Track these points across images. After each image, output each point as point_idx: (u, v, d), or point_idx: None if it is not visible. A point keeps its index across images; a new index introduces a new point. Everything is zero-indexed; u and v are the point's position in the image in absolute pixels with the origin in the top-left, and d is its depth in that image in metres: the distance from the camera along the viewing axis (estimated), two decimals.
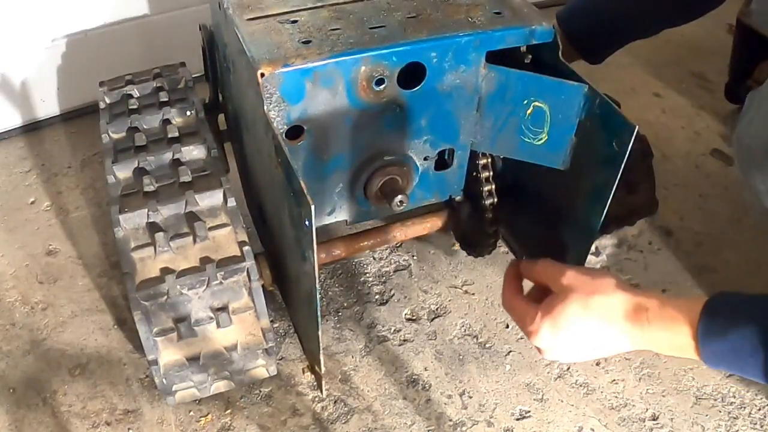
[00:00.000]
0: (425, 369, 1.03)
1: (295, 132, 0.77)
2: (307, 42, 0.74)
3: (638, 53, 1.65)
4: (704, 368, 1.03)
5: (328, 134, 0.78)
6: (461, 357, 1.05)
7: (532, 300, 0.72)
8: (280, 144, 0.66)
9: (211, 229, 0.82)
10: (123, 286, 1.07)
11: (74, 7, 1.36)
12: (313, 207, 0.60)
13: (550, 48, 0.80)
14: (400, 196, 0.83)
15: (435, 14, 0.79)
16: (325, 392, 0.99)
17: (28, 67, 1.38)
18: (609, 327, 0.66)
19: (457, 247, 1.21)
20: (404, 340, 1.07)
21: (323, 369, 0.82)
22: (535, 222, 0.97)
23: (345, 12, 0.80)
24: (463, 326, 1.09)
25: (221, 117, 1.08)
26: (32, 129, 1.47)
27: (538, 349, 0.71)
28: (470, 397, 1.00)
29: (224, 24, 0.84)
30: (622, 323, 0.65)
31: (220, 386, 0.90)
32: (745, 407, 0.99)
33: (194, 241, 0.82)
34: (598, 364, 1.04)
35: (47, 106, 1.46)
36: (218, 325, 0.82)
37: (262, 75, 0.70)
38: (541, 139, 0.82)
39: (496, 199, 0.93)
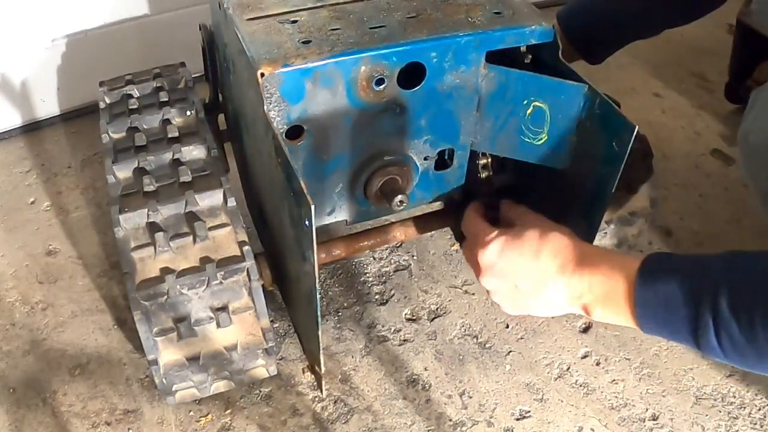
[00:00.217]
0: (425, 369, 1.03)
1: (295, 132, 0.77)
2: (307, 42, 0.74)
3: (638, 53, 1.65)
4: (704, 368, 1.03)
5: (328, 134, 0.78)
6: (461, 357, 1.05)
7: None
8: (280, 144, 0.66)
9: (211, 229, 0.82)
10: (123, 286, 1.07)
11: (74, 7, 1.36)
12: (313, 207, 0.60)
13: (550, 48, 0.80)
14: (400, 196, 0.83)
15: (435, 14, 0.79)
16: (325, 392, 0.99)
17: (28, 67, 1.38)
18: (554, 263, 0.70)
19: (457, 247, 1.21)
20: (404, 340, 1.07)
21: (323, 369, 0.82)
22: None
23: (345, 12, 0.80)
24: (463, 326, 1.09)
25: (221, 117, 1.08)
26: (32, 129, 1.47)
27: (480, 270, 0.73)
28: (470, 397, 1.00)
29: (224, 24, 0.84)
30: (568, 264, 0.69)
31: (220, 386, 0.90)
32: (745, 407, 0.99)
33: (194, 241, 0.82)
34: (598, 364, 1.04)
35: (47, 106, 1.46)
36: (218, 325, 0.82)
37: (262, 75, 0.70)
38: (541, 139, 0.82)
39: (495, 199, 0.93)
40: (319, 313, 0.71)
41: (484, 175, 0.91)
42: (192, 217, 0.83)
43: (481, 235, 0.75)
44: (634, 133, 0.70)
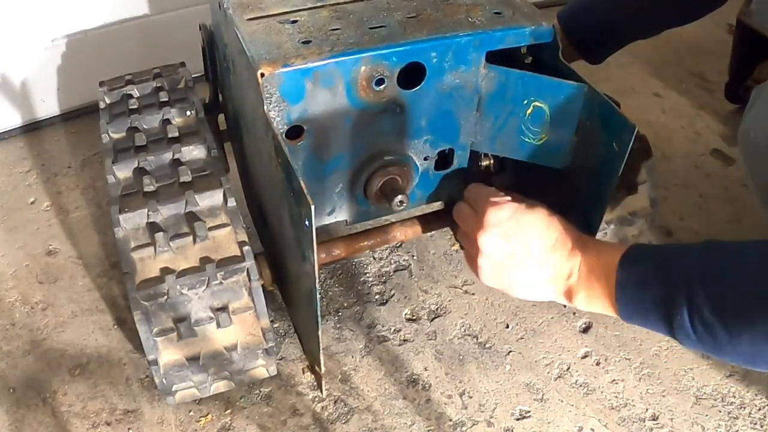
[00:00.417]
0: (425, 369, 1.03)
1: (295, 132, 0.77)
2: (307, 42, 0.74)
3: (638, 53, 1.65)
4: (704, 368, 1.03)
5: (328, 134, 0.78)
6: (461, 357, 1.05)
7: None
8: (280, 144, 0.66)
9: (211, 229, 0.82)
10: (123, 286, 1.07)
11: (74, 7, 1.36)
12: (313, 207, 0.60)
13: (550, 48, 0.80)
14: (400, 196, 0.83)
15: (435, 14, 0.79)
16: (325, 392, 0.99)
17: (28, 67, 1.38)
18: (555, 240, 0.71)
19: (457, 247, 1.21)
20: (404, 340, 1.07)
21: (323, 369, 0.82)
22: None
23: (345, 12, 0.80)
24: (463, 326, 1.09)
25: (221, 117, 1.08)
26: (32, 129, 1.47)
27: (481, 227, 0.73)
28: (470, 397, 1.00)
29: (224, 24, 0.84)
30: (567, 243, 0.71)
31: (220, 386, 0.90)
32: (745, 407, 0.99)
33: (194, 241, 0.82)
34: (598, 364, 1.04)
35: (47, 106, 1.46)
36: (218, 325, 0.82)
37: (262, 75, 0.70)
38: (541, 138, 0.82)
39: None
40: (319, 313, 0.71)
41: (484, 170, 0.91)
42: (192, 217, 0.83)
43: (494, 196, 0.74)
44: (634, 133, 0.70)
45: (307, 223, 0.62)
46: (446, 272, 1.18)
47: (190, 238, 0.81)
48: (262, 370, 0.91)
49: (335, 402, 0.98)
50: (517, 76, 0.79)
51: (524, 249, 0.71)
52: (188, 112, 0.96)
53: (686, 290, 0.60)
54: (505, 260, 0.72)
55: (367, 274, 1.17)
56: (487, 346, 1.07)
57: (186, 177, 0.86)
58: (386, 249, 1.21)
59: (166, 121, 0.94)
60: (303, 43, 0.74)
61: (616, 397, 1.00)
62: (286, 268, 0.83)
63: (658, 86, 1.63)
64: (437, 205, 0.98)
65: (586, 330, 1.09)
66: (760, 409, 0.99)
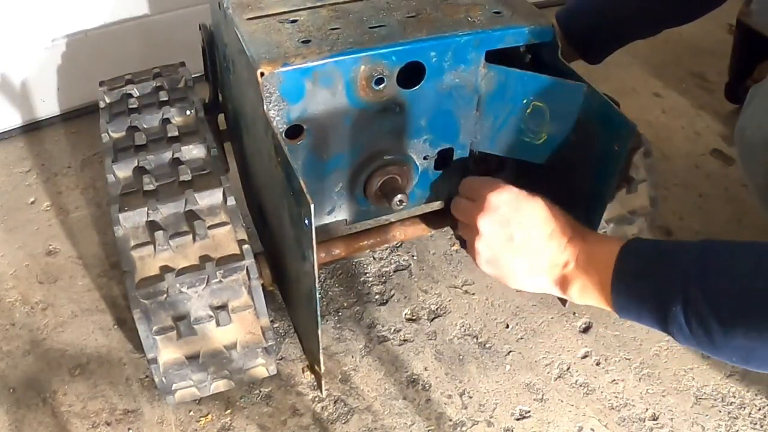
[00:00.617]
0: (425, 369, 1.03)
1: (294, 131, 0.77)
2: (307, 41, 0.74)
3: (638, 53, 1.65)
4: (704, 368, 1.03)
5: (327, 134, 0.79)
6: (461, 357, 1.05)
7: None
8: (280, 143, 0.66)
9: (210, 227, 0.82)
10: (123, 286, 1.07)
11: (74, 7, 1.36)
12: (312, 206, 0.60)
13: (550, 47, 0.80)
14: (399, 196, 0.83)
15: (434, 14, 0.79)
16: (325, 392, 0.99)
17: (28, 67, 1.39)
18: (555, 229, 0.71)
19: (457, 247, 1.21)
20: (404, 340, 1.07)
21: (323, 369, 0.82)
22: None
23: (344, 11, 0.80)
24: (463, 326, 1.09)
25: (221, 117, 1.08)
26: (32, 129, 1.47)
27: (481, 210, 0.72)
28: (470, 397, 1.00)
29: (224, 24, 0.84)
30: (567, 231, 0.71)
31: (220, 385, 0.90)
32: (745, 407, 0.99)
33: (194, 239, 0.82)
34: (598, 364, 1.04)
35: (47, 106, 1.46)
36: (218, 324, 0.82)
37: (262, 74, 0.70)
38: (541, 138, 0.82)
39: None
40: (318, 313, 0.71)
41: (483, 169, 0.91)
42: (192, 216, 0.83)
43: (495, 181, 0.74)
44: (634, 133, 0.70)
45: (306, 222, 0.62)
46: (446, 272, 1.18)
47: (190, 236, 0.81)
48: (261, 369, 0.91)
49: (335, 402, 0.98)
50: (516, 75, 0.79)
51: (522, 235, 0.71)
52: (188, 112, 0.96)
53: (682, 285, 0.60)
54: (502, 245, 0.72)
55: (367, 274, 1.17)
56: (487, 346, 1.07)
57: (186, 176, 0.86)
58: (386, 249, 1.21)
59: (166, 121, 0.95)
60: (303, 42, 0.74)
61: (616, 397, 1.00)
62: (286, 268, 0.83)
63: (658, 86, 1.63)
64: (437, 205, 0.98)
65: (586, 330, 1.09)
66: (760, 409, 0.99)
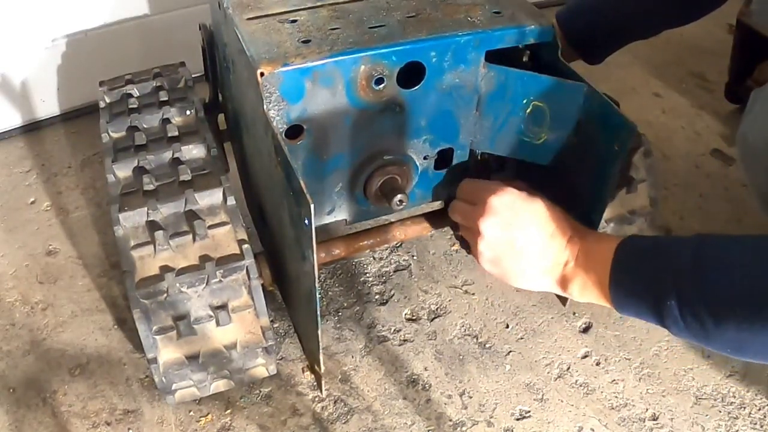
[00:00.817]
0: (425, 369, 1.03)
1: (294, 131, 0.77)
2: (307, 41, 0.74)
3: (638, 53, 1.65)
4: (704, 368, 1.03)
5: (327, 134, 0.78)
6: (461, 357, 1.05)
7: None
8: (280, 143, 0.66)
9: (210, 227, 0.82)
10: (123, 286, 1.07)
11: (74, 7, 1.36)
12: (312, 206, 0.60)
13: (550, 47, 0.80)
14: (399, 196, 0.83)
15: (434, 14, 0.79)
16: (325, 392, 0.99)
17: (28, 67, 1.39)
18: (555, 230, 0.72)
19: (457, 247, 1.21)
20: (404, 340, 1.07)
21: (323, 369, 0.82)
22: None
23: (344, 11, 0.80)
24: (463, 326, 1.09)
25: (221, 117, 1.08)
26: (32, 129, 1.47)
27: (483, 213, 0.73)
28: (470, 397, 1.00)
29: (224, 23, 0.84)
30: (566, 232, 0.72)
31: (220, 385, 0.90)
32: (745, 407, 0.99)
33: (194, 239, 0.82)
34: (598, 364, 1.04)
35: (47, 106, 1.46)
36: (218, 324, 0.82)
37: (262, 74, 0.70)
38: (541, 138, 0.82)
39: None
40: (318, 313, 0.71)
41: (483, 169, 0.91)
42: (191, 216, 0.83)
43: (495, 184, 0.75)
44: (634, 133, 0.70)
45: (306, 222, 0.62)
46: (446, 272, 1.18)
47: (190, 236, 0.81)
48: (261, 369, 0.91)
49: (335, 402, 0.98)
50: (516, 75, 0.79)
51: (524, 237, 0.72)
52: (188, 112, 0.96)
53: (676, 280, 0.61)
54: (505, 247, 0.73)
55: (367, 274, 1.17)
56: (487, 346, 1.07)
57: (186, 176, 0.86)
58: (386, 249, 1.21)
59: (166, 121, 0.94)
60: (302, 42, 0.74)
61: (616, 397, 1.00)
62: (286, 268, 0.83)
63: (658, 86, 1.63)
64: (437, 205, 0.98)
65: (586, 330, 1.09)
66: (760, 409, 0.99)
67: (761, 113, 0.87)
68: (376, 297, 1.13)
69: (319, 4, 0.81)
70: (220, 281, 0.80)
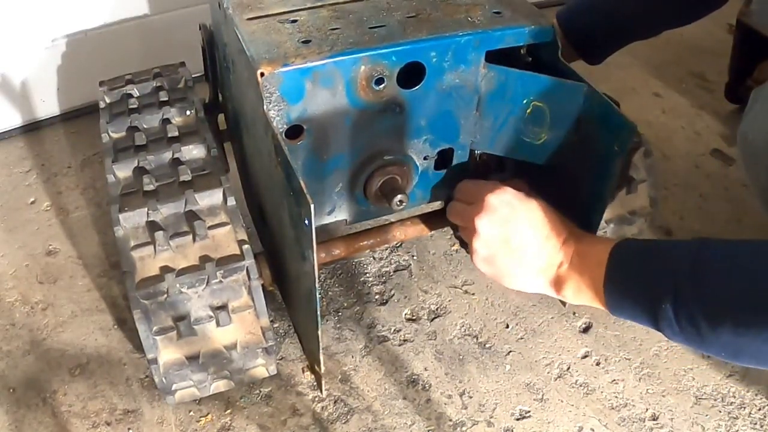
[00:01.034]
0: (425, 369, 1.03)
1: (294, 131, 0.77)
2: (307, 41, 0.74)
3: (638, 53, 1.65)
4: (704, 368, 1.03)
5: (327, 134, 0.78)
6: (461, 357, 1.05)
7: None
8: (280, 143, 0.66)
9: (210, 228, 0.82)
10: (123, 286, 1.07)
11: (74, 7, 1.36)
12: (312, 206, 0.60)
13: (550, 48, 0.80)
14: (399, 196, 0.83)
15: (434, 14, 0.79)
16: (325, 392, 0.99)
17: (28, 67, 1.39)
18: (550, 231, 0.72)
19: (457, 247, 1.21)
20: (404, 340, 1.07)
21: (323, 369, 0.82)
22: None
23: (344, 12, 0.80)
24: (463, 326, 1.09)
25: (221, 117, 1.08)
26: (32, 129, 1.47)
27: (480, 211, 0.73)
28: (470, 397, 1.00)
29: (224, 24, 0.84)
30: (562, 233, 0.73)
31: (220, 385, 0.90)
32: (745, 407, 0.99)
33: (194, 239, 0.82)
34: (598, 364, 1.04)
35: (47, 106, 1.46)
36: (218, 324, 0.82)
37: (262, 74, 0.70)
38: (541, 138, 0.82)
39: None
40: (319, 313, 0.71)
41: (483, 169, 0.91)
42: (192, 216, 0.83)
43: (492, 184, 0.75)
44: (634, 133, 0.70)
45: (306, 222, 0.62)
46: (446, 272, 1.18)
47: (190, 236, 0.81)
48: (261, 369, 0.91)
49: (335, 402, 0.98)
50: (516, 75, 0.79)
51: (519, 236, 0.72)
52: (188, 112, 0.96)
53: (672, 283, 0.61)
54: (499, 245, 0.73)
55: (367, 274, 1.17)
56: (487, 346, 1.07)
57: (186, 176, 0.86)
58: (386, 249, 1.21)
59: (166, 121, 0.95)
60: (303, 42, 0.74)
61: (616, 397, 1.00)
62: (286, 268, 0.83)
63: (658, 86, 1.63)
64: (437, 205, 0.98)
65: (586, 330, 1.09)
66: (760, 409, 0.99)
67: (761, 112, 0.87)
68: (376, 297, 1.13)
69: (319, 4, 0.81)
70: (221, 282, 0.80)
